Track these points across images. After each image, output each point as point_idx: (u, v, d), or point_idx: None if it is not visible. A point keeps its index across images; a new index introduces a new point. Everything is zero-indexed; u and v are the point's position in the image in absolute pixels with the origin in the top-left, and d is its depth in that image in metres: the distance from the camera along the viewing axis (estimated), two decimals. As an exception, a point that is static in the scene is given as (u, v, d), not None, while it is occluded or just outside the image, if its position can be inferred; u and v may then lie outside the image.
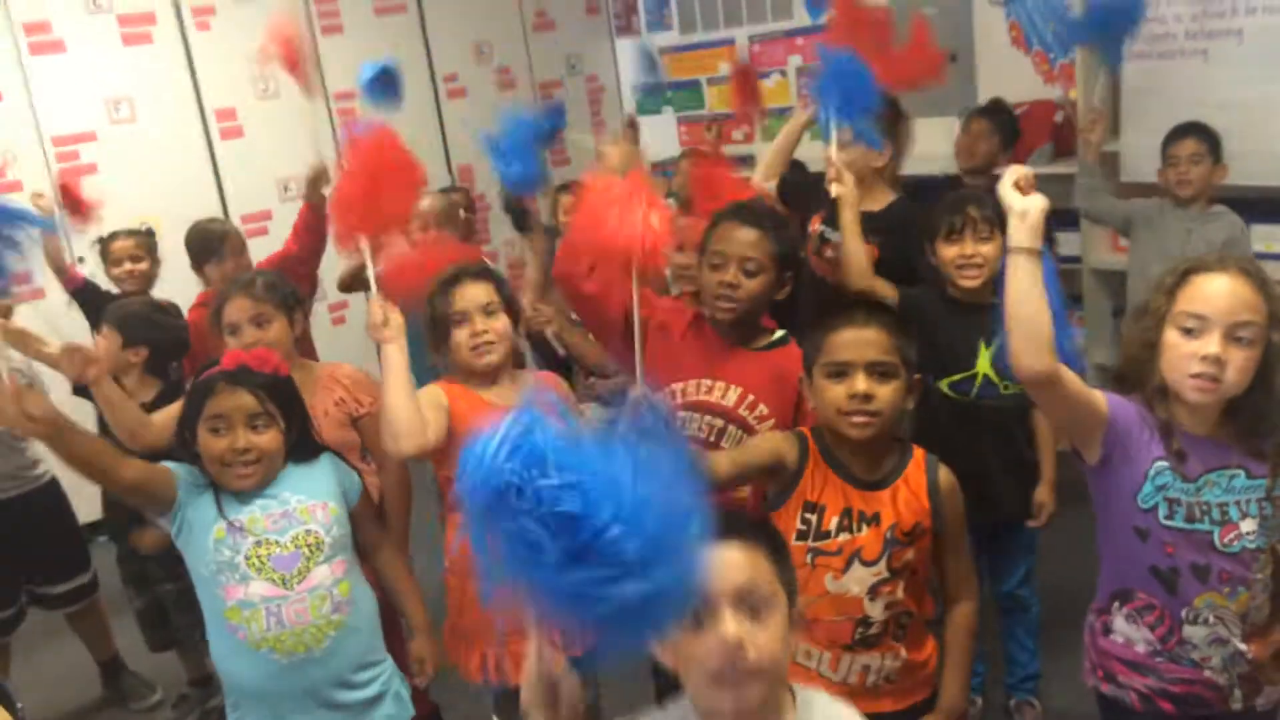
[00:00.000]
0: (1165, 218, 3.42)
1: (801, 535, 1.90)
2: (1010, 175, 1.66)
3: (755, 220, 2.23)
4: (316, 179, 3.41)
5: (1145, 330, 1.73)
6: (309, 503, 2.10)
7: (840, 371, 1.85)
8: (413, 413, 2.09)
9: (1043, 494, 2.62)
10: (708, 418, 2.26)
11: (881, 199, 3.08)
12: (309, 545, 2.06)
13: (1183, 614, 1.75)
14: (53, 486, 3.32)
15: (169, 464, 2.09)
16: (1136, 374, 1.76)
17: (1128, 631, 1.81)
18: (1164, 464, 1.72)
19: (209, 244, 3.56)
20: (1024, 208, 1.63)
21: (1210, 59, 3.52)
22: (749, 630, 1.21)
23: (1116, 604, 1.83)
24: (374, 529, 2.31)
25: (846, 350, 1.85)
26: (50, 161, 4.58)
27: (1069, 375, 1.70)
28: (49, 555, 3.31)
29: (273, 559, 2.03)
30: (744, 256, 2.19)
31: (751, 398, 2.22)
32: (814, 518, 1.89)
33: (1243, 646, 1.74)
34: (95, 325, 3.51)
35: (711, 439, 2.26)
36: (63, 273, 3.79)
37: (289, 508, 2.08)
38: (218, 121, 4.99)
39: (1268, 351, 1.63)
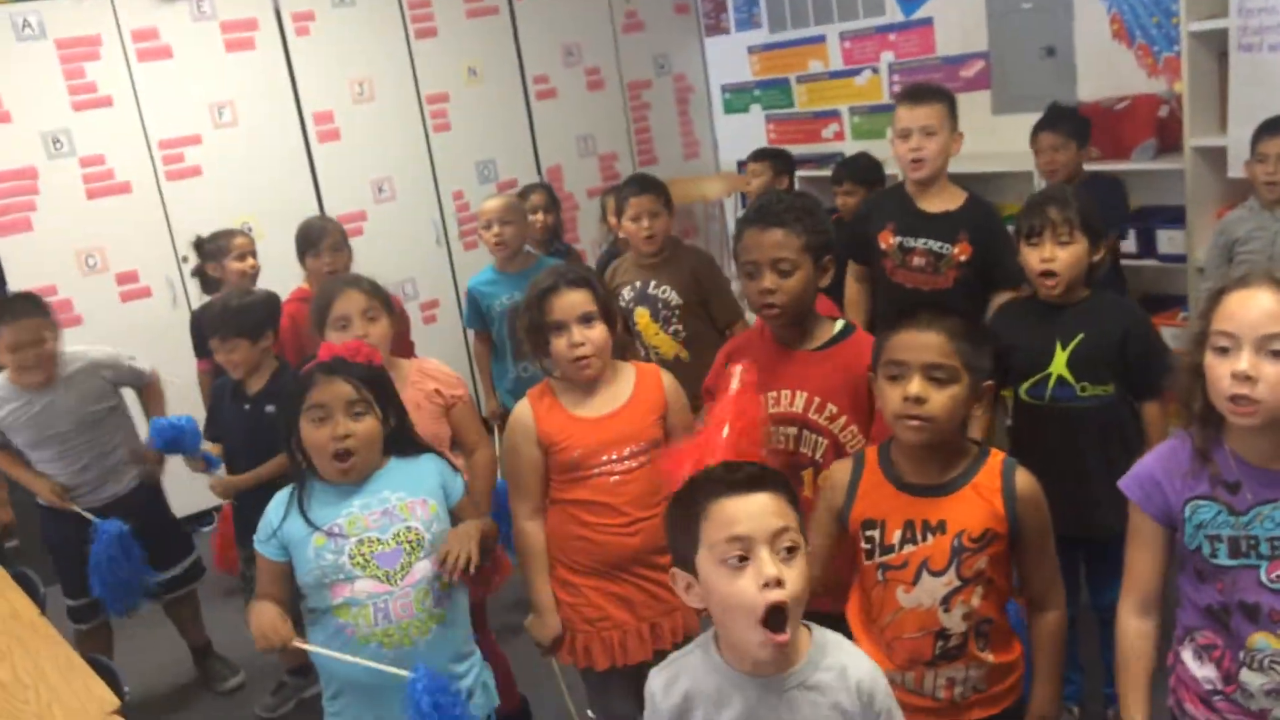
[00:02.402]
0: (1252, 222, 3.30)
1: (868, 554, 1.88)
2: None
3: (777, 219, 2.16)
4: None
5: (1189, 355, 1.66)
6: (409, 499, 2.14)
7: (897, 374, 1.83)
8: None
9: None
10: (781, 428, 2.23)
11: (958, 196, 3.04)
12: (410, 542, 2.11)
13: (1240, 656, 1.67)
14: (143, 487, 3.43)
15: (260, 550, 2.15)
16: (1187, 402, 1.69)
17: (1194, 666, 1.75)
18: (1201, 501, 1.66)
19: (309, 237, 3.69)
20: None
21: (1325, 50, 3.38)
22: (784, 571, 1.41)
23: (1188, 638, 1.77)
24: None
25: (903, 351, 1.83)
26: (157, 165, 4.74)
27: (1145, 588, 1.77)
28: (156, 545, 3.41)
29: (376, 556, 2.08)
30: (775, 259, 2.14)
31: (819, 400, 2.18)
32: (875, 534, 1.86)
33: None
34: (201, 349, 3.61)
35: (789, 449, 2.23)
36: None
37: (389, 505, 2.12)
38: (316, 124, 5.11)
39: None
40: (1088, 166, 3.83)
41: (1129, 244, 4.09)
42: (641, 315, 3.35)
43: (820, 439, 2.19)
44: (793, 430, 2.22)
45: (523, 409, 2.34)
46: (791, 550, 1.44)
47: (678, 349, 3.30)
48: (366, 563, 2.07)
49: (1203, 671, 1.73)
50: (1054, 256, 2.41)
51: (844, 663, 1.53)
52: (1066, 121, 3.76)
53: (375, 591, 2.07)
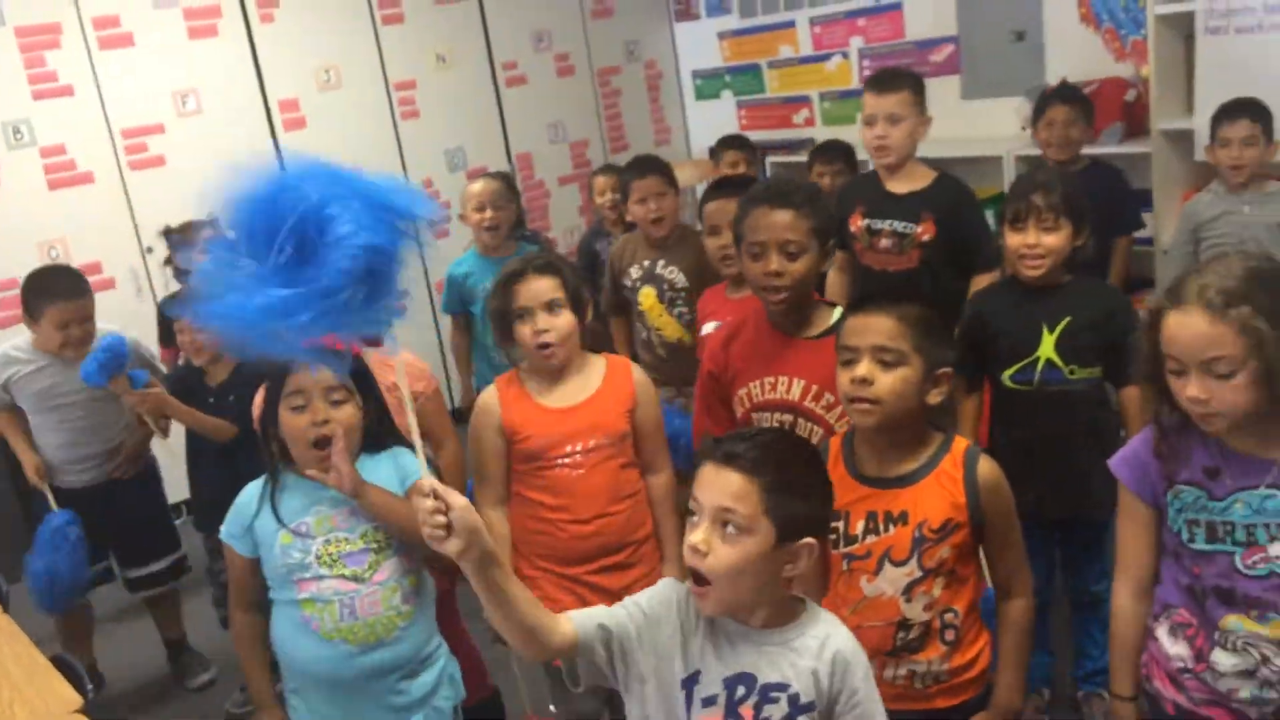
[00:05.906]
0: (1220, 206, 3.32)
1: (834, 544, 1.87)
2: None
3: (787, 200, 2.13)
4: None
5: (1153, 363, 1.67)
6: None
7: (849, 358, 1.85)
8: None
9: None
10: (776, 414, 2.21)
11: (925, 176, 3.03)
12: (377, 541, 2.07)
13: (1214, 636, 1.68)
14: (146, 470, 3.40)
15: (228, 542, 2.13)
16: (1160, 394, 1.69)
17: (1166, 643, 1.76)
18: (1183, 486, 1.67)
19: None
20: None
21: (1290, 33, 3.40)
22: (713, 543, 1.47)
23: (1164, 614, 1.77)
24: None
25: (853, 336, 1.85)
26: (120, 154, 4.67)
27: (1138, 571, 1.77)
28: (135, 539, 3.39)
29: (344, 556, 2.05)
30: (783, 240, 2.11)
31: (816, 388, 2.15)
32: (839, 525, 1.86)
33: (1274, 676, 1.64)
34: (167, 338, 3.63)
35: None
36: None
37: (356, 504, 2.08)
38: (281, 112, 5.05)
39: (1272, 360, 1.53)
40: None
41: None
42: (647, 295, 3.31)
43: (815, 427, 2.17)
44: (788, 418, 2.19)
45: (489, 396, 2.32)
46: (729, 527, 1.47)
47: (681, 332, 3.24)
48: (334, 562, 2.04)
49: (1175, 649, 1.73)
50: (1038, 242, 2.39)
51: (828, 633, 1.54)
52: (1080, 99, 3.66)
53: (342, 589, 2.03)
